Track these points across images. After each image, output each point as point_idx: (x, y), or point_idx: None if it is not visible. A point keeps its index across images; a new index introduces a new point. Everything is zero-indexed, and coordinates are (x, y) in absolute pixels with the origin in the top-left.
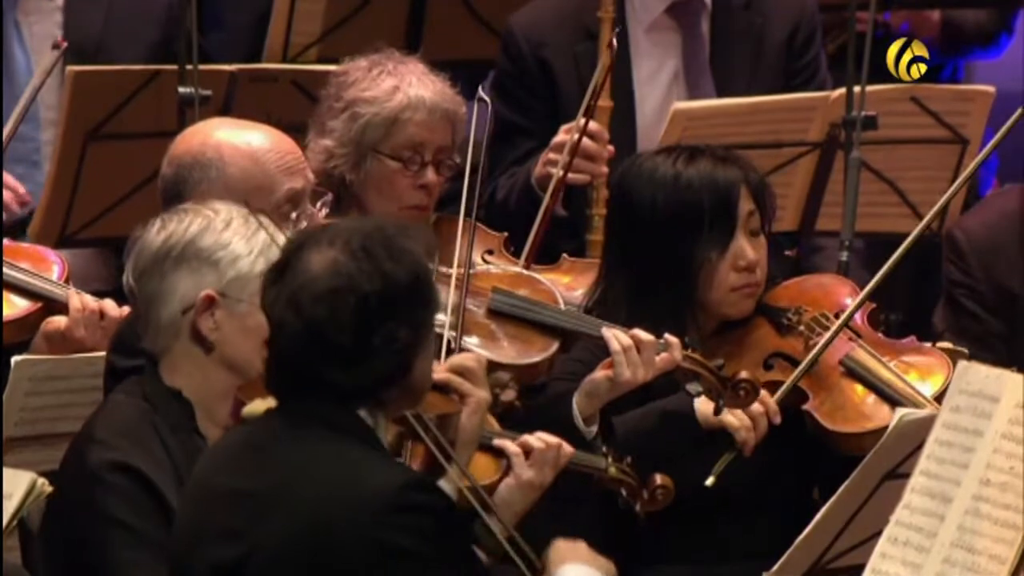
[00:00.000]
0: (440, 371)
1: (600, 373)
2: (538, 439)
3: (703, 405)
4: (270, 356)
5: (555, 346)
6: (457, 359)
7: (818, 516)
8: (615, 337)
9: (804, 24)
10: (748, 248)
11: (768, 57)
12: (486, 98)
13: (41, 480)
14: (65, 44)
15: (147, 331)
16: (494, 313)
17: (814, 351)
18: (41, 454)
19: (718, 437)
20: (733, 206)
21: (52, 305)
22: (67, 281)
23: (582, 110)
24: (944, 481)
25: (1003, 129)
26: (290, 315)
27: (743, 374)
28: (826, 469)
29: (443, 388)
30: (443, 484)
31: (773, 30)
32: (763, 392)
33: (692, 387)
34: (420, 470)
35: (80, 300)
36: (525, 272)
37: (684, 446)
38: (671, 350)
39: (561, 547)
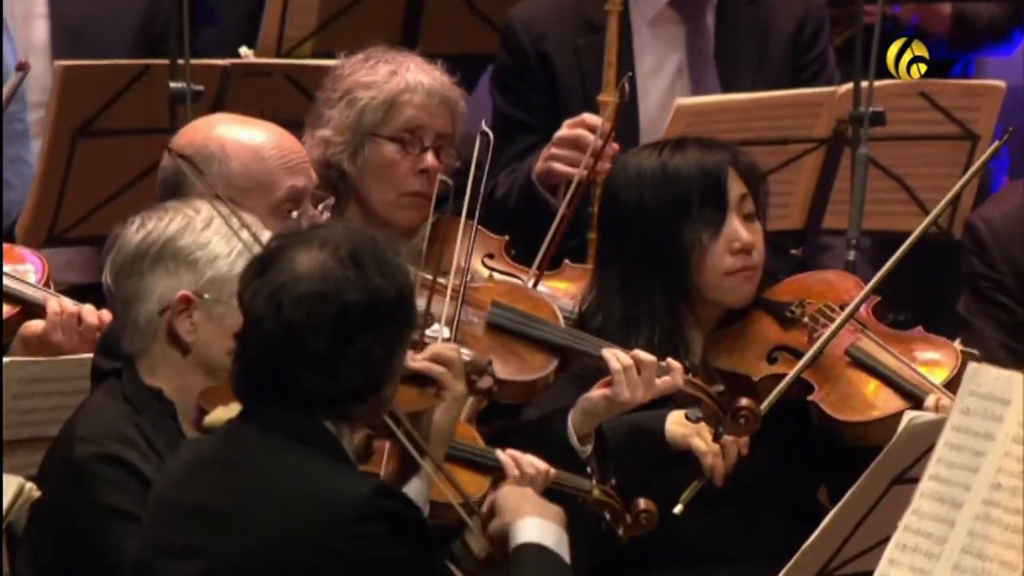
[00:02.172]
0: (419, 360)
1: (598, 392)
2: (529, 464)
3: (674, 426)
4: (240, 351)
5: (554, 364)
6: (438, 348)
7: (825, 521)
8: (615, 356)
9: (811, 18)
10: (742, 230)
11: (774, 52)
12: (489, 133)
13: (29, 485)
14: (29, 66)
15: (125, 331)
16: (493, 327)
17: (819, 342)
18: (30, 458)
19: (690, 460)
20: (722, 186)
21: (31, 309)
22: (47, 283)
23: (605, 114)
24: (954, 485)
25: (991, 149)
26: (269, 312)
27: (744, 401)
28: (832, 463)
29: (419, 379)
30: (416, 483)
31: (780, 24)
32: None
33: (692, 412)
34: (390, 470)
35: (58, 304)
36: (525, 286)
37: (651, 463)
38: (673, 374)
39: (510, 495)
